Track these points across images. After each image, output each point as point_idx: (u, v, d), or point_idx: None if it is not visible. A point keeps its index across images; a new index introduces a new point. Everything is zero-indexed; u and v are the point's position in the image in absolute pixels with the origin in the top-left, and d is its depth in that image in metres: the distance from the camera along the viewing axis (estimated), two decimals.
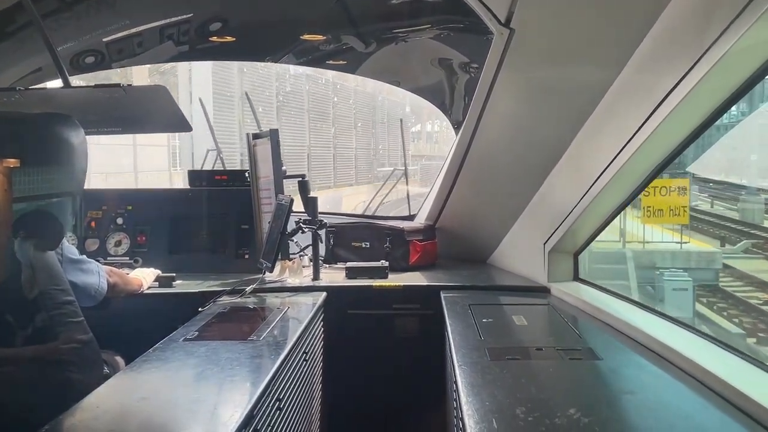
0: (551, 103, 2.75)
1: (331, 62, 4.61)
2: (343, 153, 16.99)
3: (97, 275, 2.59)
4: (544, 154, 2.98)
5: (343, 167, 16.71)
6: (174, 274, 3.25)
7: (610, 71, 2.40)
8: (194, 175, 3.88)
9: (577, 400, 1.79)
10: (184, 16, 3.45)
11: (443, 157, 4.04)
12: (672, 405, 1.83)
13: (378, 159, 19.44)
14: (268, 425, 1.95)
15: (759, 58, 1.78)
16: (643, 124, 2.24)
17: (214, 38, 3.76)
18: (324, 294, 3.15)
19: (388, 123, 19.48)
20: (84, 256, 2.57)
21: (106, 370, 2.43)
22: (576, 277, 3.20)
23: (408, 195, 4.86)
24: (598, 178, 2.62)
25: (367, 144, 19.01)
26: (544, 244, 3.18)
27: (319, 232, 3.41)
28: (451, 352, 2.28)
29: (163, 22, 3.48)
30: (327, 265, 3.73)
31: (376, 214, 4.89)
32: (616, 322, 2.52)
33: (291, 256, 3.44)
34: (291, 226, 3.28)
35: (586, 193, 2.74)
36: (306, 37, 3.83)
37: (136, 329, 2.56)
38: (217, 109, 10.86)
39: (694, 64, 1.90)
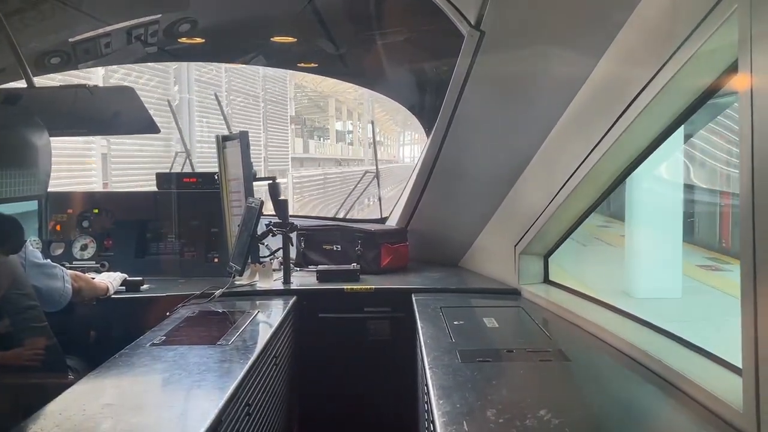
0: (521, 105, 2.77)
1: (302, 64, 4.61)
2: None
3: (62, 280, 2.55)
4: (515, 156, 3.00)
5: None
6: (141, 279, 3.19)
7: (578, 74, 2.42)
8: (162, 178, 3.82)
9: (548, 402, 1.80)
10: (153, 17, 3.41)
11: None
12: (640, 406, 1.85)
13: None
14: (237, 431, 1.93)
15: (724, 61, 1.80)
16: (611, 127, 2.26)
17: (183, 39, 3.72)
18: (294, 298, 3.13)
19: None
20: (48, 261, 2.53)
21: (70, 375, 2.39)
22: (546, 279, 3.22)
23: (380, 198, 4.85)
24: (568, 180, 2.64)
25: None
26: (515, 246, 3.19)
27: (290, 235, 3.38)
28: (422, 354, 2.27)
29: (131, 22, 3.44)
30: (298, 269, 3.70)
31: (347, 217, 4.87)
32: (586, 323, 2.54)
33: (261, 260, 3.41)
34: (261, 229, 3.25)
35: (555, 195, 2.76)
36: (276, 39, 3.81)
37: (101, 334, 2.51)
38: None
39: (662, 67, 1.92)
